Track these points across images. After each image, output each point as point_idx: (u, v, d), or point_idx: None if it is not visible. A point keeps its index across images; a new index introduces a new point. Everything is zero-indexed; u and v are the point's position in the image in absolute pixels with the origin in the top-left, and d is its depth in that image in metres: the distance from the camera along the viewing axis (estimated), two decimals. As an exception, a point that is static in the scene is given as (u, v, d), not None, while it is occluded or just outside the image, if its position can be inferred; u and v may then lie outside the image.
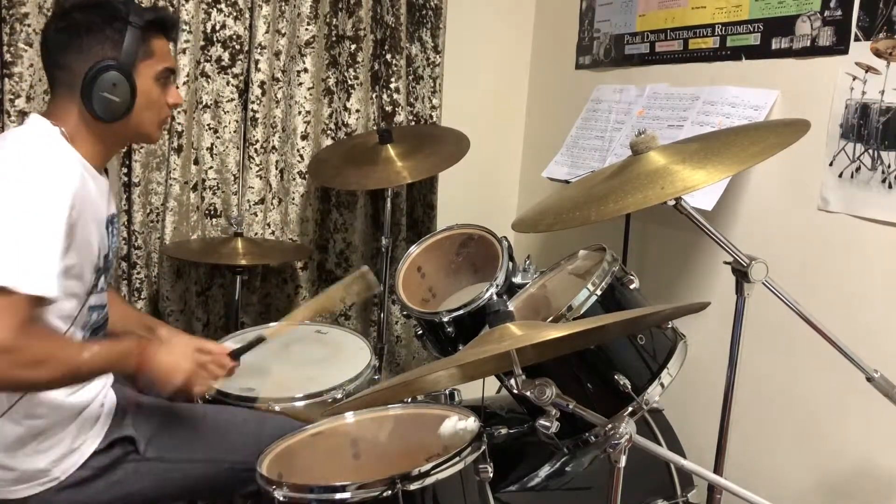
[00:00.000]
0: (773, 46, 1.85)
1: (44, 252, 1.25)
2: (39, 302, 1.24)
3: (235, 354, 1.60)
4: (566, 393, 1.16)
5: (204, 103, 2.36)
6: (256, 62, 2.37)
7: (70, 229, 1.30)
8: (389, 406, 1.57)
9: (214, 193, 2.42)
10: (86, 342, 1.40)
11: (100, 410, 1.49)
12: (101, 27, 1.38)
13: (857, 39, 1.65)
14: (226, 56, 2.36)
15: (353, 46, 2.53)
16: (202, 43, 2.33)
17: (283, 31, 2.41)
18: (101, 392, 1.51)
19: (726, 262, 1.40)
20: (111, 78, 1.37)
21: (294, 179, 2.53)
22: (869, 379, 1.38)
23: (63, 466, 1.42)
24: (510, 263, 1.83)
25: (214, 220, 2.44)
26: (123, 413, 1.53)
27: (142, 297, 2.34)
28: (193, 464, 1.55)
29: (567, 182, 2.23)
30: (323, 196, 2.61)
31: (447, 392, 1.63)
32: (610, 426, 1.13)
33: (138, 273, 2.33)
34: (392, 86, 2.58)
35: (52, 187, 1.30)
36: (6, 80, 2.11)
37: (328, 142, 2.56)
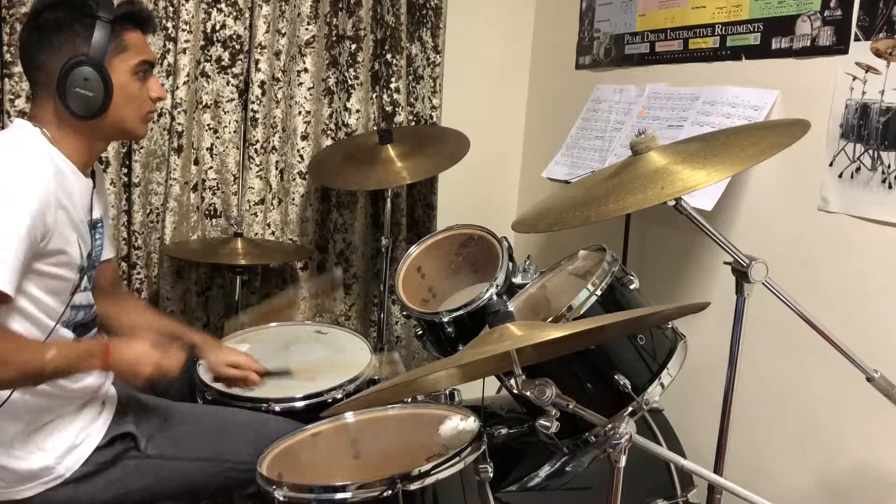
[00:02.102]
0: (773, 46, 1.85)
1: (1, 250, 1.24)
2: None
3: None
4: (566, 393, 1.16)
5: (204, 103, 2.36)
6: (256, 62, 2.37)
7: (38, 228, 1.30)
8: (389, 406, 1.57)
9: (214, 194, 2.42)
10: (50, 342, 1.38)
11: (101, 406, 1.49)
12: (70, 24, 1.39)
13: (857, 39, 1.65)
14: (226, 56, 2.36)
15: (354, 46, 2.52)
16: (202, 43, 2.33)
17: (283, 31, 2.41)
18: (102, 387, 1.52)
19: (726, 263, 1.40)
20: (82, 73, 1.37)
21: (294, 180, 2.53)
22: (869, 379, 1.38)
23: (67, 463, 1.43)
24: (510, 263, 1.83)
25: (214, 220, 2.44)
26: (125, 409, 1.53)
27: (142, 297, 2.34)
28: (194, 462, 1.55)
29: (567, 182, 2.23)
30: (323, 196, 2.61)
31: (447, 392, 1.63)
32: (610, 426, 1.13)
33: (138, 273, 2.33)
34: (392, 86, 2.58)
35: (16, 187, 1.29)
36: (6, 80, 2.11)
37: (328, 142, 2.56)
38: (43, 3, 1.41)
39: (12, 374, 1.28)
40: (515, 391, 1.20)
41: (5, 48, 2.10)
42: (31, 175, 1.33)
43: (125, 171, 2.31)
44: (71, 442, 1.43)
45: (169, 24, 2.29)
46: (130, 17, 1.46)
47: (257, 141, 2.41)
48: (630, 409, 1.43)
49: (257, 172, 2.43)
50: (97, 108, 1.40)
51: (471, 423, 1.45)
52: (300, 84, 2.47)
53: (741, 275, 1.38)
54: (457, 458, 1.32)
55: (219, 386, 1.75)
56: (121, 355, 1.41)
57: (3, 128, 2.10)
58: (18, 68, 2.09)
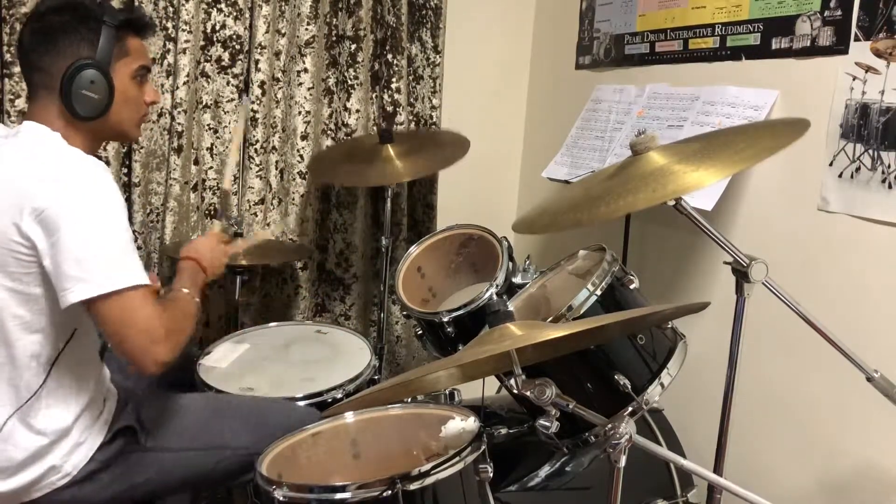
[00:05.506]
0: (773, 46, 1.85)
1: (132, 247, 1.38)
2: (147, 290, 1.37)
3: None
4: (566, 393, 1.16)
5: (204, 103, 2.36)
6: (256, 62, 2.37)
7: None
8: (389, 406, 1.57)
9: (214, 193, 2.42)
10: (170, 289, 1.54)
11: (102, 404, 1.50)
12: (75, 28, 1.40)
13: (857, 39, 1.65)
14: (226, 56, 2.36)
15: (354, 46, 2.53)
16: (202, 43, 2.33)
17: (283, 31, 2.41)
18: (102, 385, 1.52)
19: (726, 263, 1.40)
20: (89, 76, 1.39)
21: (294, 179, 2.53)
22: (869, 379, 1.38)
23: (73, 461, 1.43)
24: (510, 263, 1.83)
25: (214, 220, 2.44)
26: (125, 404, 1.54)
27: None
28: (195, 452, 1.56)
29: (567, 182, 2.23)
30: (323, 196, 2.61)
31: (447, 392, 1.63)
32: (610, 426, 1.13)
33: (138, 273, 2.33)
34: (392, 86, 2.58)
35: (111, 187, 1.36)
36: (6, 80, 2.11)
37: (328, 142, 2.56)
38: (47, 6, 1.42)
39: (191, 327, 1.47)
40: (515, 391, 1.20)
41: (5, 48, 2.10)
42: (109, 176, 1.38)
43: (125, 170, 2.31)
44: (75, 441, 1.43)
45: (169, 24, 2.29)
46: (133, 24, 1.48)
47: (257, 141, 2.41)
48: (630, 409, 1.43)
49: (257, 172, 2.43)
50: (100, 111, 1.42)
51: (471, 423, 1.45)
52: (300, 84, 2.47)
53: (741, 275, 1.38)
54: (457, 458, 1.31)
55: (218, 385, 1.75)
56: (211, 261, 1.65)
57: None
58: (18, 68, 2.09)
